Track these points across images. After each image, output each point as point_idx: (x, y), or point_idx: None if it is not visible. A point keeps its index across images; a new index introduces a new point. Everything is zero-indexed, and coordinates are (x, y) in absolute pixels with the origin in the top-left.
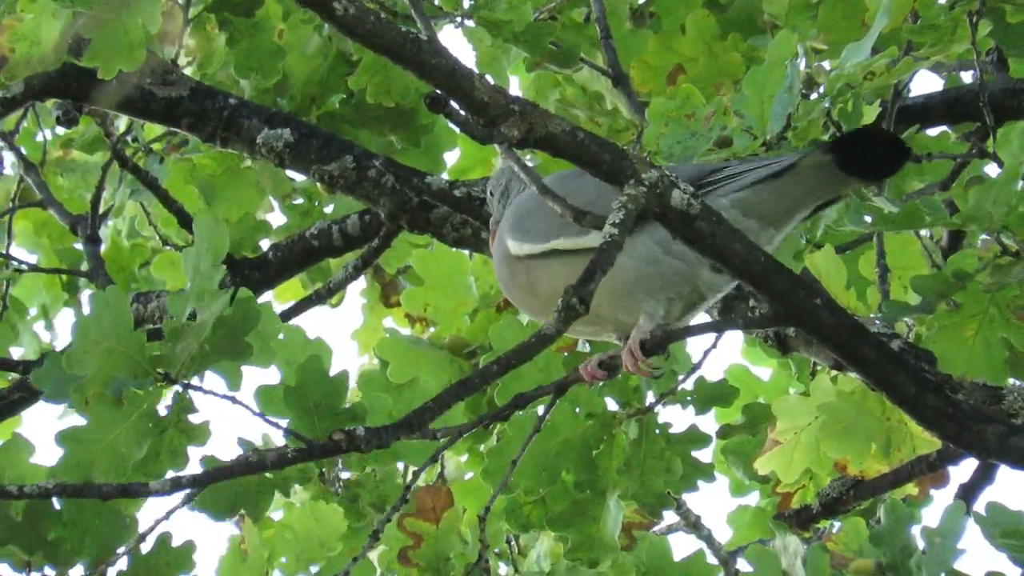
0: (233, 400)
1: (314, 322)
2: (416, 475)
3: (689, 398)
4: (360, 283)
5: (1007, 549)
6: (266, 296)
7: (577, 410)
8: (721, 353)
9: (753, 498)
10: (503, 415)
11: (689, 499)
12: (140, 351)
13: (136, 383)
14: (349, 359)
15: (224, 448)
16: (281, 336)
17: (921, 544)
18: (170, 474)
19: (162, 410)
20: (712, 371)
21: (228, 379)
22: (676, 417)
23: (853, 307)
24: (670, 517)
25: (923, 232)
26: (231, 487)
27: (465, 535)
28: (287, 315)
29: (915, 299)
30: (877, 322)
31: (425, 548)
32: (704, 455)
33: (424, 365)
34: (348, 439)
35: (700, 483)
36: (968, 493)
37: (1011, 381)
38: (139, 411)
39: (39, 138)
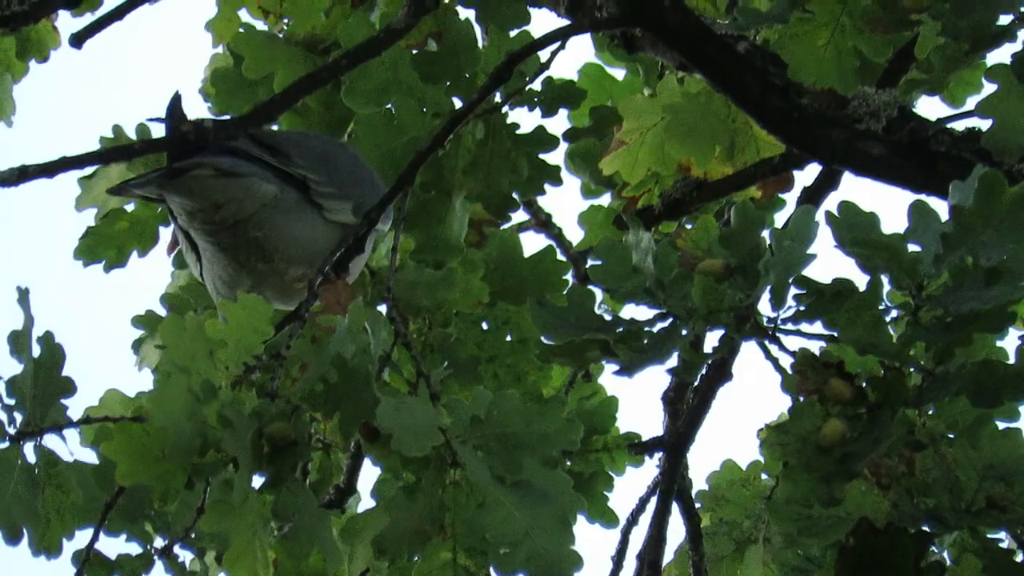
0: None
1: (168, 11)
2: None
3: (537, 99)
4: None
5: (857, 256)
6: None
7: (424, 109)
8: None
9: (605, 201)
10: None
11: (541, 201)
12: None
13: None
14: (202, 50)
15: None
16: None
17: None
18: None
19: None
20: (567, 74)
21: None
22: (525, 119)
23: (701, 9)
24: (521, 217)
25: None
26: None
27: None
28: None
29: (768, 7)
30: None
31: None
32: (552, 158)
33: (279, 61)
34: (196, 131)
35: (547, 186)
36: (812, 197)
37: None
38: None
39: None
